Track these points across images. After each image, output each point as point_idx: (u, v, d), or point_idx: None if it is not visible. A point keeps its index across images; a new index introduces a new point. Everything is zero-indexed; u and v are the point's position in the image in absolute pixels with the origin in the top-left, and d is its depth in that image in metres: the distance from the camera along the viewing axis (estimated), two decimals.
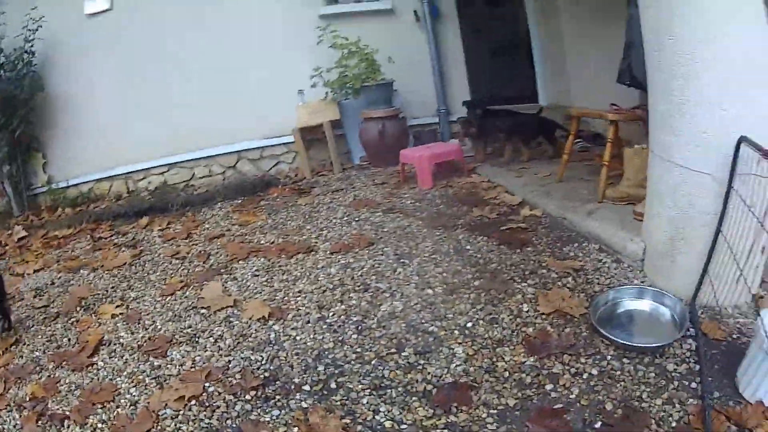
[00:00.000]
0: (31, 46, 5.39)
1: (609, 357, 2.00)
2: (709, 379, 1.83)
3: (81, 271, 3.68)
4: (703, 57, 2.05)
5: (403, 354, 2.16)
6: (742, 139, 1.94)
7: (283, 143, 5.72)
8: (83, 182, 5.93)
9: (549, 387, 1.89)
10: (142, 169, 5.83)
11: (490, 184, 4.24)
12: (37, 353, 2.66)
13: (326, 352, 2.25)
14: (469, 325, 2.30)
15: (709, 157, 2.11)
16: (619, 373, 1.92)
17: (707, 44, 2.03)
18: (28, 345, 2.76)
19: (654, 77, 2.32)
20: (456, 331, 2.26)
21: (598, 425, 1.70)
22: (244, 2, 5.56)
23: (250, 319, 2.60)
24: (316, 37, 5.37)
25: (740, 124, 2.02)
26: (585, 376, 1.92)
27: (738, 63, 2.02)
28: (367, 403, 1.94)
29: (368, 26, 5.66)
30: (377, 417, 1.86)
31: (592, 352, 2.04)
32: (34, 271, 3.89)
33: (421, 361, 2.11)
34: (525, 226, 3.26)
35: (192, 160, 5.79)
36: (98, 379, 2.34)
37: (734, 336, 2.04)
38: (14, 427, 2.18)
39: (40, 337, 2.83)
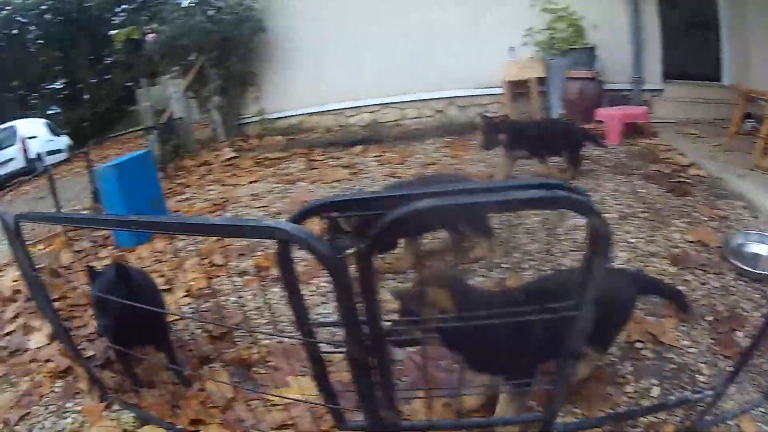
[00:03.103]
0: None
1: (729, 277, 2.73)
2: None
3: (298, 183, 4.15)
4: None
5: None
6: None
7: (490, 94, 6.41)
8: (293, 115, 6.65)
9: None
10: (354, 107, 6.51)
11: (667, 146, 4.82)
12: None
13: None
14: (632, 240, 3.16)
15: None
16: (733, 289, 2.63)
17: None
18: None
19: None
20: (622, 243, 3.11)
21: (709, 318, 2.43)
22: None
23: None
24: (528, 0, 5.91)
25: None
26: (708, 286, 2.68)
27: None
28: None
29: None
30: None
31: (717, 272, 2.77)
32: (249, 183, 4.36)
33: None
34: (690, 182, 3.93)
35: (405, 102, 6.50)
36: None
37: None
38: (234, 285, 2.69)
39: None
